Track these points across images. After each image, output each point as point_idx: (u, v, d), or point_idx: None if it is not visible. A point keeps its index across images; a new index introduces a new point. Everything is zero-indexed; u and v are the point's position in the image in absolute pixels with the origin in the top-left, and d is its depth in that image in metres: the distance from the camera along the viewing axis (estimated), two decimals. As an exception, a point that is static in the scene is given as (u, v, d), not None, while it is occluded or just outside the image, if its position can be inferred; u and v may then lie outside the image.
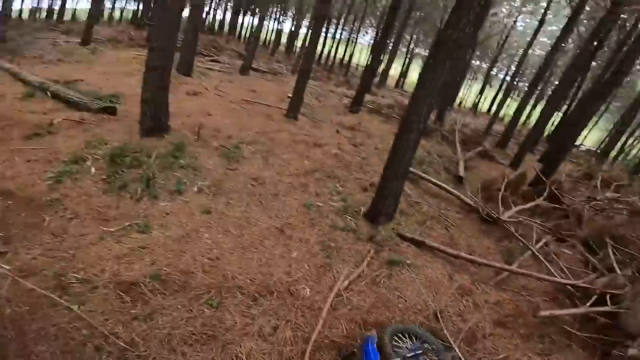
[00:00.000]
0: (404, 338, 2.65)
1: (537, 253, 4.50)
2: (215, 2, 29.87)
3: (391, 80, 27.53)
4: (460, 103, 32.48)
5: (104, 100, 5.93)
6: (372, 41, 24.26)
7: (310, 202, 4.39)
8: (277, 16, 30.45)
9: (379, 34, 14.53)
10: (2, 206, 3.17)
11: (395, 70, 28.43)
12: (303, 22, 27.07)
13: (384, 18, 17.19)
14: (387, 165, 4.23)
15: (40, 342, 2.20)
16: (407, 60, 30.18)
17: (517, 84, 20.48)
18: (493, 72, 30.27)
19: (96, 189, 3.61)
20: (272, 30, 30.46)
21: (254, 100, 8.18)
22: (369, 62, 11.54)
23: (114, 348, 2.24)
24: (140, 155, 4.18)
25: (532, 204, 6.18)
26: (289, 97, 8.10)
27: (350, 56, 28.35)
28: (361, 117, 9.44)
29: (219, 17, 31.31)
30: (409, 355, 2.36)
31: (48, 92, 5.81)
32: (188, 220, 3.47)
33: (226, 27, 29.54)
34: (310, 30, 10.70)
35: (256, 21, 17.05)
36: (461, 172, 7.19)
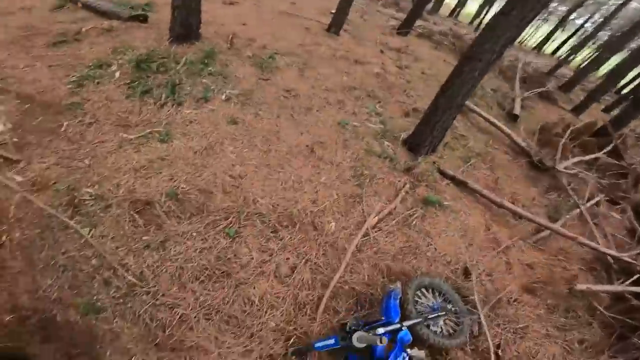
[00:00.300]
0: (427, 293, 2.44)
1: (585, 213, 3.98)
2: None
3: (446, 9, 24.54)
4: (521, 42, 28.98)
5: (136, 9, 5.54)
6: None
7: (346, 120, 3.99)
8: None
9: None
10: (20, 110, 3.02)
11: None
12: None
13: None
14: (441, 92, 3.66)
15: (48, 275, 2.09)
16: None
17: (597, 33, 17.77)
18: (571, 17, 26.38)
19: (119, 93, 3.40)
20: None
21: (293, 13, 7.42)
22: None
23: (122, 283, 2.11)
24: (168, 62, 3.88)
25: (592, 156, 5.41)
26: (331, 12, 7.28)
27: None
28: (409, 41, 8.41)
29: None
30: (430, 316, 2.22)
31: (79, 3, 5.47)
32: (213, 130, 3.24)
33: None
34: None
35: None
36: (517, 110, 6.37)
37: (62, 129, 2.97)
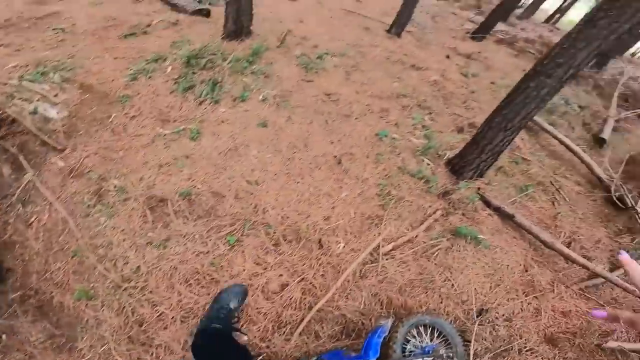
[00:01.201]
0: (424, 333, 2.15)
1: None
2: None
3: (541, 15, 21.92)
4: (634, 54, 24.76)
5: (204, 2, 5.84)
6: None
7: (385, 132, 3.68)
8: None
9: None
10: (79, 99, 3.28)
11: (550, 5, 22.35)
12: None
13: None
14: (498, 110, 3.15)
15: (59, 258, 2.25)
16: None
17: None
18: None
19: (165, 88, 3.56)
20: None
21: (355, 11, 7.20)
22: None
23: (118, 275, 2.21)
24: (216, 58, 3.98)
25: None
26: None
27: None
28: (484, 47, 7.63)
29: None
30: None
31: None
32: (241, 132, 3.22)
33: None
34: None
35: None
36: (605, 134, 5.38)
37: (110, 119, 3.20)
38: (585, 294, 2.89)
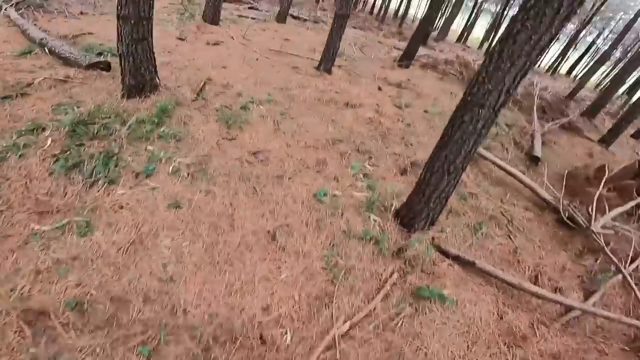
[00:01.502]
0: None
1: (629, 278, 3.17)
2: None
3: (453, 35, 24.13)
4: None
5: (104, 54, 5.09)
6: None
7: (323, 190, 3.25)
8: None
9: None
10: None
11: (457, 25, 24.94)
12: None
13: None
14: (436, 151, 2.88)
15: None
16: (474, 15, 26.27)
17: (612, 50, 16.79)
18: (581, 35, 26.07)
19: (43, 169, 2.77)
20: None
21: (282, 51, 6.93)
22: (426, 12, 9.51)
23: None
24: (111, 122, 3.27)
25: (632, 203, 4.49)
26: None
27: (407, 7, 25.02)
28: (412, 73, 7.79)
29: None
30: None
31: (46, 48, 5.07)
32: (147, 218, 2.56)
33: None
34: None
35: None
36: (537, 151, 5.55)
37: (-32, 223, 2.38)
38: (569, 329, 2.69)
